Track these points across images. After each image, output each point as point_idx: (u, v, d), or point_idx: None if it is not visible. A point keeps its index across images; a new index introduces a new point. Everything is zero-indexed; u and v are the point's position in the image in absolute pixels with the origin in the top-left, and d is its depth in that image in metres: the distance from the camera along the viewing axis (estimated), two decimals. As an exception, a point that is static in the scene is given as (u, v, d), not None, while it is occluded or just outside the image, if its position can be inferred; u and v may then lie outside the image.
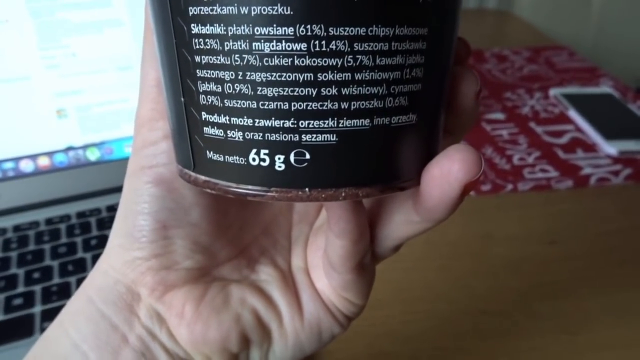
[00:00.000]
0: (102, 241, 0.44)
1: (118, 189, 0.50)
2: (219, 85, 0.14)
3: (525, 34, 0.98)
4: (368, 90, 0.14)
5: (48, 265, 0.41)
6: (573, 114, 0.66)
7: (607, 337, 0.38)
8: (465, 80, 0.17)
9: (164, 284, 0.19)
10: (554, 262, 0.45)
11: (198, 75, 0.14)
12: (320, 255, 0.21)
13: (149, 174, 0.18)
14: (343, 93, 0.14)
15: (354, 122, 0.14)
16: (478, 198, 0.53)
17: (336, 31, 0.13)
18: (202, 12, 0.14)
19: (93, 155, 0.50)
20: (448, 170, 0.15)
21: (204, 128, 0.15)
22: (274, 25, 0.13)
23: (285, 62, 0.13)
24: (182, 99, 0.15)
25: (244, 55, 0.13)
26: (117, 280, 0.19)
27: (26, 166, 0.48)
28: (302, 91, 0.13)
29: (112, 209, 0.48)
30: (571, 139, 0.62)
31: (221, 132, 0.14)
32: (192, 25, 0.14)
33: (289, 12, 0.13)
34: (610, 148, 0.59)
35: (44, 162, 0.48)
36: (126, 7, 0.47)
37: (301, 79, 0.13)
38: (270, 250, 0.22)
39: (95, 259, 0.42)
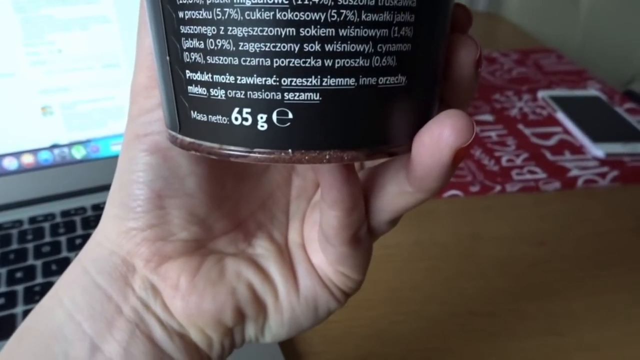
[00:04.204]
0: (87, 240, 0.43)
1: (104, 188, 0.49)
2: (201, 42, 0.14)
3: (513, 36, 0.98)
4: (353, 47, 0.13)
5: (31, 265, 0.41)
6: (561, 116, 0.66)
7: (593, 338, 0.38)
8: (464, 46, 0.16)
9: (159, 255, 0.19)
10: (542, 263, 0.45)
11: (181, 31, 0.14)
12: (317, 229, 0.21)
13: (144, 142, 0.18)
14: (327, 50, 0.13)
15: (338, 81, 0.13)
16: (467, 199, 0.53)
17: None
18: None
19: (79, 153, 0.49)
20: (438, 136, 0.15)
21: (188, 87, 0.14)
22: None
23: (267, 16, 0.13)
24: (168, 58, 0.15)
25: (225, 9, 0.13)
26: (112, 251, 0.19)
27: (10, 164, 0.47)
28: (284, 47, 0.13)
29: (98, 207, 0.47)
30: (559, 141, 0.63)
31: (204, 91, 0.14)
32: None
33: None
34: (597, 150, 0.59)
35: (28, 160, 0.47)
36: (113, 3, 0.47)
37: (283, 34, 0.13)
38: (267, 225, 0.22)
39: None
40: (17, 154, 0.47)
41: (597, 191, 0.55)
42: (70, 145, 0.48)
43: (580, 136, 0.62)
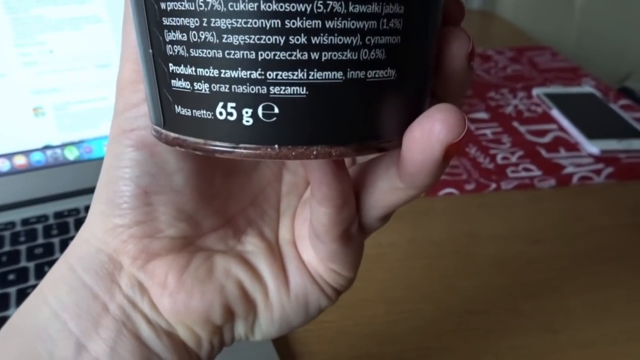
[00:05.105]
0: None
1: (97, 189, 0.49)
2: (184, 34, 0.13)
3: (508, 34, 0.98)
4: (340, 40, 0.13)
5: (24, 267, 0.40)
6: (556, 113, 0.66)
7: (590, 335, 0.38)
8: (456, 39, 0.16)
9: (146, 252, 0.18)
10: (537, 260, 0.45)
11: (164, 23, 0.14)
12: (307, 226, 0.20)
13: (130, 137, 0.18)
14: (313, 42, 0.13)
15: (325, 75, 0.13)
16: (462, 197, 0.53)
17: None
18: None
19: (71, 154, 0.49)
20: (429, 131, 0.14)
21: (172, 81, 0.14)
22: None
23: (251, 7, 0.12)
24: (151, 51, 0.14)
25: (208, 0, 0.13)
26: (98, 248, 0.18)
27: (2, 165, 0.47)
28: (269, 39, 0.13)
29: (91, 209, 0.47)
30: (554, 138, 0.62)
31: (188, 85, 0.14)
32: None
33: None
34: (592, 147, 0.59)
35: (20, 161, 0.47)
36: (105, 3, 0.46)
37: (268, 25, 0.12)
38: (257, 222, 0.21)
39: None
40: (9, 155, 0.47)
41: (593, 188, 0.55)
42: (63, 146, 0.48)
43: (575, 133, 0.62)
